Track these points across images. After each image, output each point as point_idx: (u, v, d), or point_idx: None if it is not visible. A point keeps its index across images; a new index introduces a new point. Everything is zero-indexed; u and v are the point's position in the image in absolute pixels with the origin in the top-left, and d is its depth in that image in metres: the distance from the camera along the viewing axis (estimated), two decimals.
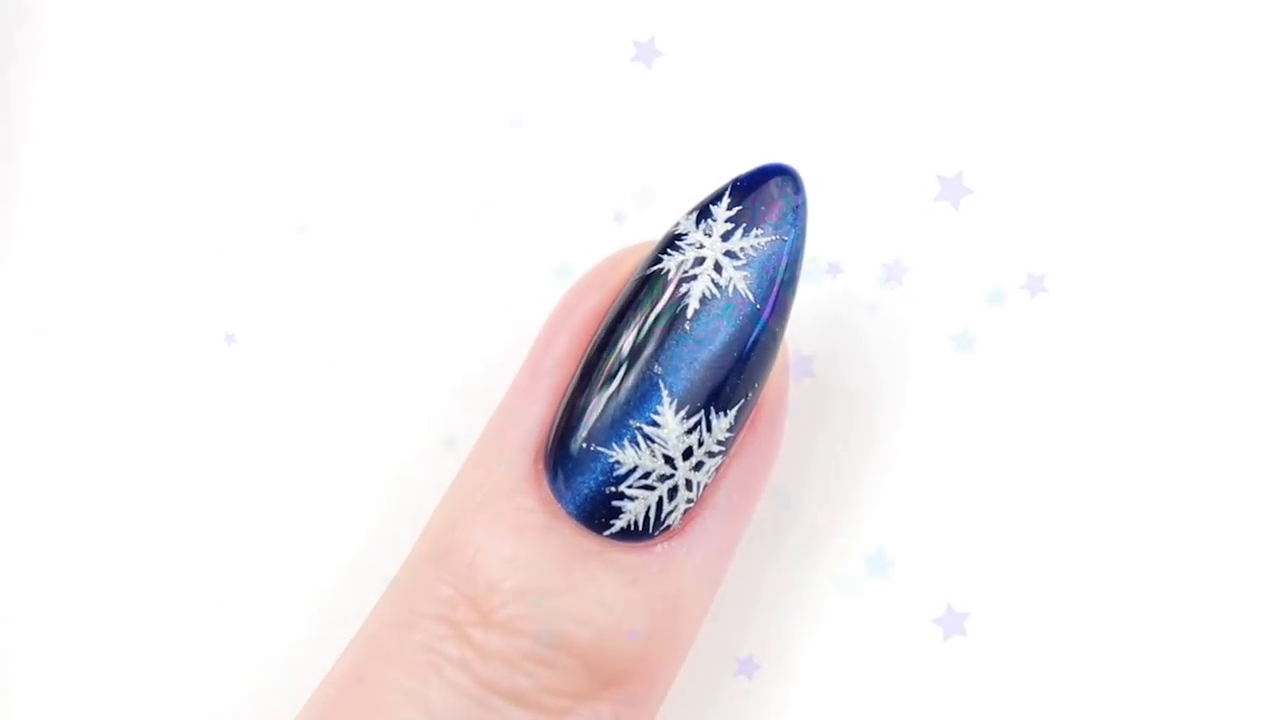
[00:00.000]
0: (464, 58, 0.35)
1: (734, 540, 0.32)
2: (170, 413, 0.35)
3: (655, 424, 0.31)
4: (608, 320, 0.31)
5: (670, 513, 0.31)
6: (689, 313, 0.31)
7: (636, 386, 0.31)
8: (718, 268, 0.31)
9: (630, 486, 0.31)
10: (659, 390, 0.31)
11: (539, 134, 0.35)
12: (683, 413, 0.31)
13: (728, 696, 0.35)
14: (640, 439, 0.31)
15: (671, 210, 0.34)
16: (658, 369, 0.31)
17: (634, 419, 0.31)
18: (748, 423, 0.32)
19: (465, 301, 0.35)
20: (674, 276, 0.31)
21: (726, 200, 0.31)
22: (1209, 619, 0.34)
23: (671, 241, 0.31)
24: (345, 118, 0.35)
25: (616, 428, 0.31)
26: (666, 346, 0.31)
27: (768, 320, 0.31)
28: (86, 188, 0.35)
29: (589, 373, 0.31)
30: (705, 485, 0.31)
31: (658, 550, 0.31)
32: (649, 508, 0.31)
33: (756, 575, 0.35)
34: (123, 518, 0.35)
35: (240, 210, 0.35)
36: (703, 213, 0.31)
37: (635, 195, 0.35)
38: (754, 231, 0.31)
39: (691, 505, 0.31)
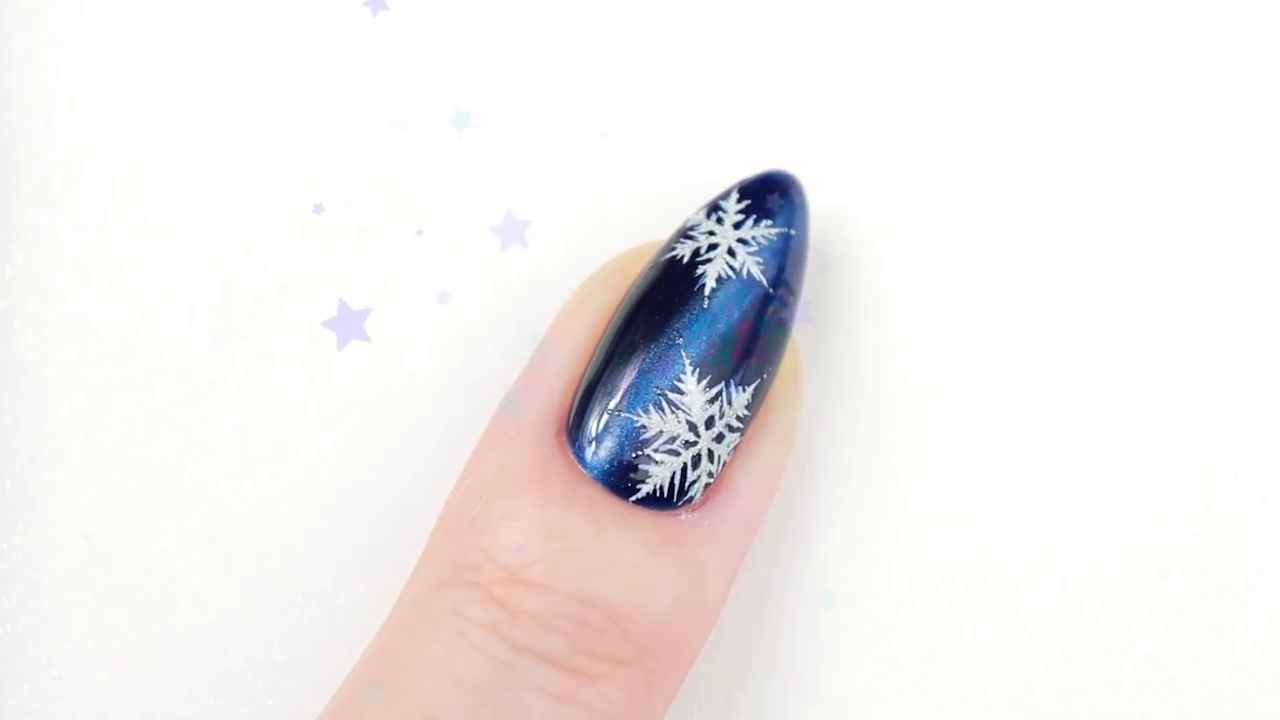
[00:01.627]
0: (461, 58, 0.36)
1: (751, 528, 0.32)
2: (167, 413, 0.35)
3: (679, 390, 0.31)
4: (624, 306, 0.32)
5: (692, 483, 0.31)
6: (706, 291, 0.32)
7: (660, 355, 0.31)
8: (731, 252, 0.32)
9: (656, 450, 0.31)
10: (681, 358, 0.31)
11: (535, 132, 0.36)
12: (704, 382, 0.31)
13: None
14: (665, 404, 0.31)
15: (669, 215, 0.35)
16: (679, 340, 0.31)
17: (658, 385, 0.31)
18: (762, 406, 0.32)
19: (465, 302, 0.35)
20: (689, 260, 0.32)
21: (735, 196, 0.33)
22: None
23: (685, 233, 0.32)
24: (343, 118, 0.36)
25: (641, 393, 0.31)
26: (686, 319, 0.31)
27: (779, 303, 0.32)
28: (86, 189, 0.35)
29: (609, 351, 0.32)
30: (725, 461, 0.31)
31: (682, 519, 0.31)
32: (673, 474, 0.31)
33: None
34: (122, 518, 0.34)
35: (239, 207, 0.35)
36: (713, 208, 0.33)
37: (639, 194, 0.36)
38: (763, 223, 0.32)
39: (712, 481, 0.31)
